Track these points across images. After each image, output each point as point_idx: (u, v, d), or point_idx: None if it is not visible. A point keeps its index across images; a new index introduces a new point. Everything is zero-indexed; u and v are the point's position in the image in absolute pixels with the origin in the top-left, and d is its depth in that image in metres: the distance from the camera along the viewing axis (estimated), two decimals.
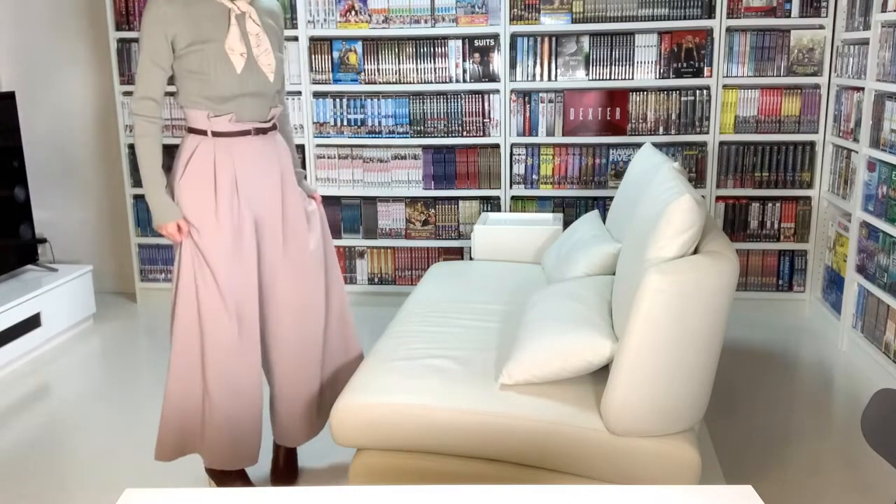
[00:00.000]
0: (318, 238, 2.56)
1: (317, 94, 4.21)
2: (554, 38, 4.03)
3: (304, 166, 4.24)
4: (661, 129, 4.08)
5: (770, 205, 4.11)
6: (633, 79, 4.03)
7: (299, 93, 4.20)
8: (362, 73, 4.17)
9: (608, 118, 4.09)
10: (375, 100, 4.19)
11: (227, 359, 2.36)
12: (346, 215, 4.34)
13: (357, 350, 2.74)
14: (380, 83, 4.17)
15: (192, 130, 2.33)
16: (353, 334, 2.72)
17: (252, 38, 2.29)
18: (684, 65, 3.99)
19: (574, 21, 3.99)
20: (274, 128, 2.44)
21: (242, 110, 2.31)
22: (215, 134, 2.30)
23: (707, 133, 4.05)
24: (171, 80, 2.34)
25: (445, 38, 4.09)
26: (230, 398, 2.39)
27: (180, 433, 2.42)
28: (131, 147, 4.36)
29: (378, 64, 4.15)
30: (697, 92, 4.02)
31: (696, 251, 2.05)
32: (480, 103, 4.13)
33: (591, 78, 4.05)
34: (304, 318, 2.51)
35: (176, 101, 2.34)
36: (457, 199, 4.27)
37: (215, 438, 2.41)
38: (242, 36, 2.27)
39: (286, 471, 2.64)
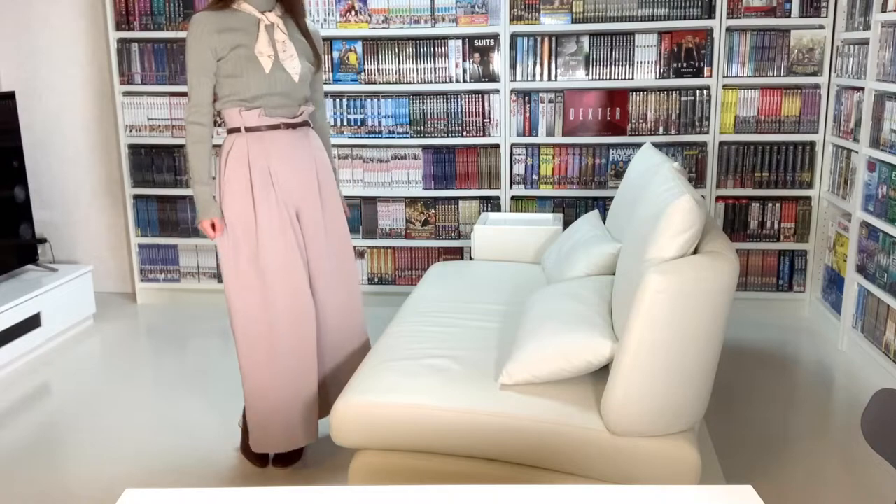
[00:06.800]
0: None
1: None
2: (554, 38, 4.03)
3: None
4: (661, 129, 4.08)
5: (770, 205, 4.11)
6: (633, 79, 4.03)
7: None
8: (362, 73, 4.17)
9: (608, 118, 4.09)
10: (375, 100, 4.19)
11: (288, 353, 2.59)
12: None
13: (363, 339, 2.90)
14: (380, 83, 4.17)
15: (229, 131, 2.56)
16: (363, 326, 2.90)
17: (279, 45, 2.52)
18: (684, 65, 3.99)
19: (574, 21, 3.99)
20: (305, 124, 2.63)
21: (271, 107, 2.52)
22: (248, 129, 2.51)
23: (707, 133, 4.05)
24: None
25: (445, 38, 4.09)
26: (294, 384, 2.62)
27: (269, 425, 2.63)
28: (131, 147, 4.36)
29: (378, 64, 4.15)
30: (697, 92, 4.02)
31: (696, 251, 2.05)
32: (480, 103, 4.13)
33: (591, 78, 4.05)
34: (348, 303, 2.75)
35: (216, 107, 2.56)
36: (457, 199, 4.27)
37: (284, 422, 2.63)
38: (270, 42, 2.51)
39: (290, 453, 2.72)
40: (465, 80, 4.12)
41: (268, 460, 2.72)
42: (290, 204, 2.56)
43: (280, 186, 2.53)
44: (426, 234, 4.32)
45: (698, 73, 3.99)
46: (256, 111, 2.50)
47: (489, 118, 4.14)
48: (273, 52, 2.49)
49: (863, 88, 3.52)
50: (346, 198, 4.31)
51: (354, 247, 4.34)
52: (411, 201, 4.30)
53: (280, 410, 2.60)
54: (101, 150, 4.50)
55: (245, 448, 2.77)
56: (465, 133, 4.17)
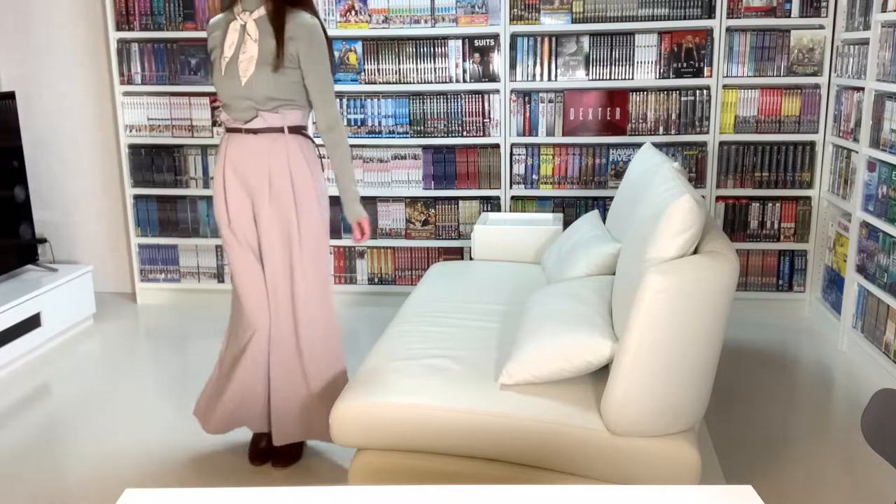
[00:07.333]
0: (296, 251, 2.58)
1: None
2: (554, 38, 4.03)
3: None
4: (661, 129, 4.08)
5: (770, 205, 4.11)
6: (633, 79, 4.03)
7: None
8: (362, 73, 4.17)
9: (608, 118, 4.09)
10: (375, 100, 4.19)
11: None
12: None
13: (340, 367, 2.71)
14: (380, 83, 4.17)
15: None
16: (338, 354, 2.70)
17: (242, 47, 2.49)
18: (684, 65, 3.99)
19: (574, 21, 3.99)
20: (275, 131, 2.53)
21: (231, 110, 2.55)
22: (227, 129, 2.60)
23: (707, 133, 4.05)
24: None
25: (445, 38, 4.09)
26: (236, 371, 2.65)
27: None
28: (131, 147, 4.36)
29: (378, 64, 4.15)
30: (697, 92, 4.02)
31: (696, 251, 2.05)
32: (480, 103, 4.13)
33: (591, 78, 4.05)
34: (292, 314, 2.61)
35: None
36: (457, 199, 4.27)
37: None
38: (234, 43, 2.49)
39: (290, 453, 2.72)
40: (465, 80, 4.12)
41: (262, 459, 2.72)
42: (245, 202, 2.56)
43: (233, 186, 2.56)
44: (426, 234, 4.32)
45: (698, 73, 3.99)
46: (224, 113, 2.57)
47: (489, 118, 4.14)
48: (233, 54, 2.48)
49: (863, 88, 3.52)
50: None
51: (354, 247, 4.35)
52: (411, 201, 4.30)
53: (224, 392, 2.65)
54: (101, 150, 4.50)
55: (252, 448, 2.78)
56: (465, 133, 4.17)
